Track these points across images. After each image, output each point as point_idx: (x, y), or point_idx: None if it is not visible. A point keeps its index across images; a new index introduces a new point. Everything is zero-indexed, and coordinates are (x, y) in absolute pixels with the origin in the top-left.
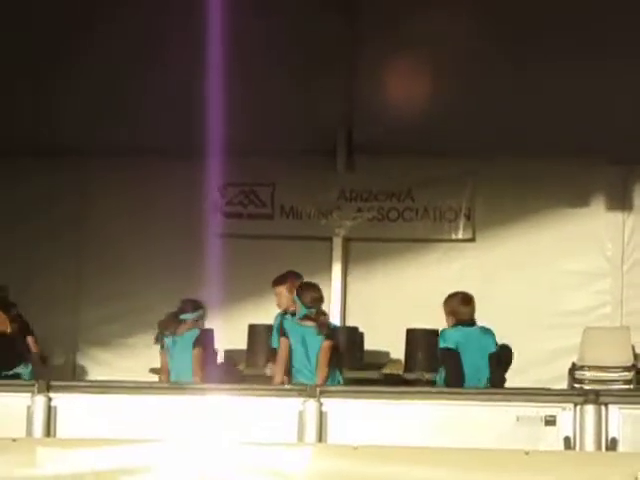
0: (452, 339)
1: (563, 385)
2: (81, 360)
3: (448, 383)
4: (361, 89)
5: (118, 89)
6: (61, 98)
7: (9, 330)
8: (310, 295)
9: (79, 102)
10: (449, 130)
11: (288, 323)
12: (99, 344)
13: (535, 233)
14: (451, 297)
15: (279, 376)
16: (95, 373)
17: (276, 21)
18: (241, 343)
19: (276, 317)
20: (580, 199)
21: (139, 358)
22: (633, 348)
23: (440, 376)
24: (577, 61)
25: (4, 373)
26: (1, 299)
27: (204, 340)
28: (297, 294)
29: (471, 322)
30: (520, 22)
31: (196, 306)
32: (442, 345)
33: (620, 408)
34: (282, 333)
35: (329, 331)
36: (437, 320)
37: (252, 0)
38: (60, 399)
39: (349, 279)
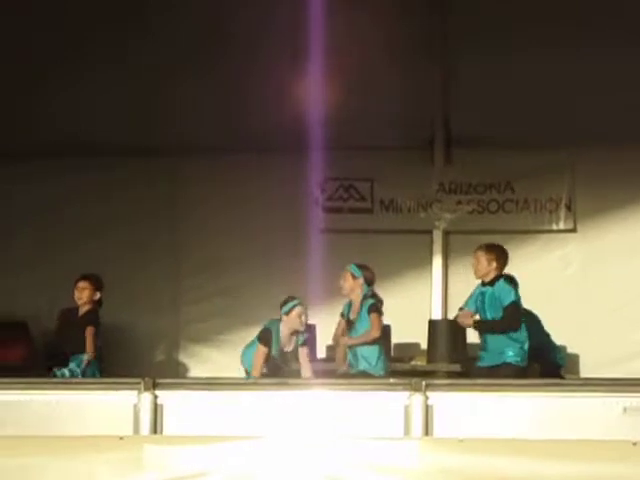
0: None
1: None
2: (182, 357)
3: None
4: (458, 82)
5: (214, 83)
6: (156, 98)
7: None
8: None
9: (178, 102)
10: (547, 120)
11: None
12: (200, 341)
13: (638, 222)
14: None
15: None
16: (197, 370)
17: (372, 17)
18: None
19: None
20: None
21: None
22: None
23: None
24: None
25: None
26: None
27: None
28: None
29: None
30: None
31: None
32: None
33: None
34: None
35: None
36: (539, 310)
37: None
38: (166, 396)
39: (450, 272)
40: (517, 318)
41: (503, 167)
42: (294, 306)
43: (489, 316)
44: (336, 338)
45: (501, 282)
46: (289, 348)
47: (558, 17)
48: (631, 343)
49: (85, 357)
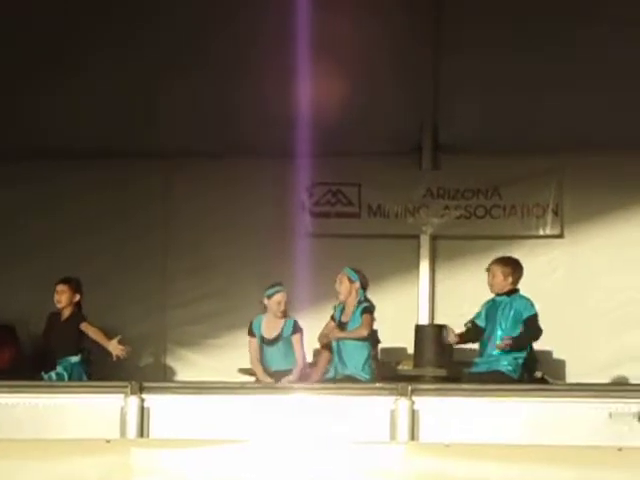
0: None
1: None
2: (169, 361)
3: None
4: (445, 89)
5: (203, 89)
6: (149, 101)
7: None
8: None
9: (169, 106)
10: (534, 126)
11: None
12: (188, 344)
13: (625, 228)
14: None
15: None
16: (184, 374)
17: (360, 23)
18: None
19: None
20: None
21: (227, 358)
22: None
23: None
24: None
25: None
26: None
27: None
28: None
29: None
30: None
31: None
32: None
33: None
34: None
35: None
36: None
37: (338, 3)
38: (153, 400)
39: (437, 277)
40: (539, 330)
41: (490, 173)
42: (275, 292)
43: (502, 325)
44: (322, 337)
45: (519, 295)
46: (273, 334)
47: (546, 24)
48: (617, 349)
49: (110, 348)
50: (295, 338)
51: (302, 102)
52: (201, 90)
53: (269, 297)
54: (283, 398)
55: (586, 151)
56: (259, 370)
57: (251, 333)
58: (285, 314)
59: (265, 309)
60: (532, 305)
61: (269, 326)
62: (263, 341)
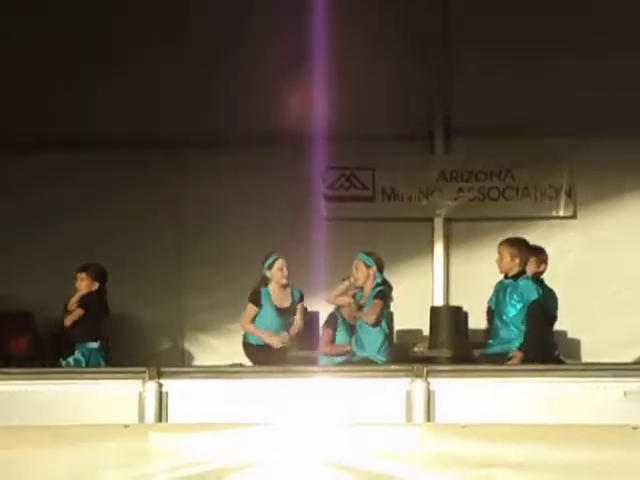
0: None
1: None
2: (187, 346)
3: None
4: (458, 72)
5: (218, 76)
6: (159, 87)
7: None
8: None
9: (179, 91)
10: (547, 107)
11: None
12: (206, 330)
13: (638, 208)
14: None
15: None
16: (202, 359)
17: (374, 10)
18: None
19: None
20: None
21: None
22: None
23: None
24: None
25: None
26: None
27: None
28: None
29: None
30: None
31: None
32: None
33: None
34: None
35: None
36: None
37: None
38: (171, 385)
39: (451, 259)
40: (540, 317)
41: (503, 155)
42: (275, 260)
43: (508, 310)
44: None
45: (524, 279)
46: (286, 304)
47: (558, 7)
48: (631, 328)
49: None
50: (299, 307)
51: (316, 87)
52: (215, 77)
53: (270, 267)
54: (300, 381)
55: (598, 133)
56: (258, 332)
57: (257, 302)
58: (288, 279)
59: (267, 281)
60: (536, 289)
61: (279, 296)
62: (277, 311)
